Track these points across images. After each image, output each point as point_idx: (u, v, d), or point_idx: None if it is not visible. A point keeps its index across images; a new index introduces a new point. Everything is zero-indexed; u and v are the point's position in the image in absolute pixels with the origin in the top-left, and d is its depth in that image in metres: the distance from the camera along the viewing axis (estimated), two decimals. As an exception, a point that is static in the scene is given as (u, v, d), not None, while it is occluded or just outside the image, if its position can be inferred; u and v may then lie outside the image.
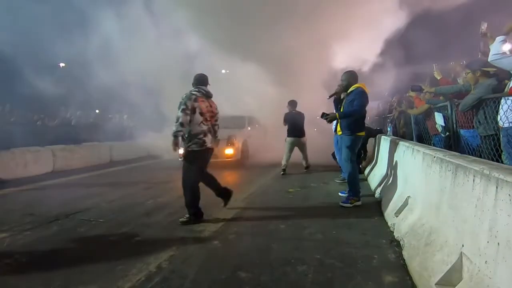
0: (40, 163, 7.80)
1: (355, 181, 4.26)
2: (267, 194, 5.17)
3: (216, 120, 4.04)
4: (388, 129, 5.57)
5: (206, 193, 4.03)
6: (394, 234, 3.00)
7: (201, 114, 3.74)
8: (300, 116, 7.16)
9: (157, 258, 2.76)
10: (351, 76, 4.36)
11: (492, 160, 3.20)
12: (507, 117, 3.17)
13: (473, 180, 1.80)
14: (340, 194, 4.64)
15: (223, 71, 15.09)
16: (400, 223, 3.00)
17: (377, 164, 5.61)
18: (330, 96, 4.48)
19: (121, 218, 4.01)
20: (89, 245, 3.15)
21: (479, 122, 3.70)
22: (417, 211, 2.79)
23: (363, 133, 4.34)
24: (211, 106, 3.90)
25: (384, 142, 5.27)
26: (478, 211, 1.70)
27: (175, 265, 2.63)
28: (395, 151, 4.24)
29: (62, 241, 3.31)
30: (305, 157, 7.26)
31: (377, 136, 6.33)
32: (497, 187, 1.54)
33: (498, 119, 3.28)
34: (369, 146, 6.83)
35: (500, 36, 3.18)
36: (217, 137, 4.12)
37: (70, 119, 11.86)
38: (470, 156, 2.21)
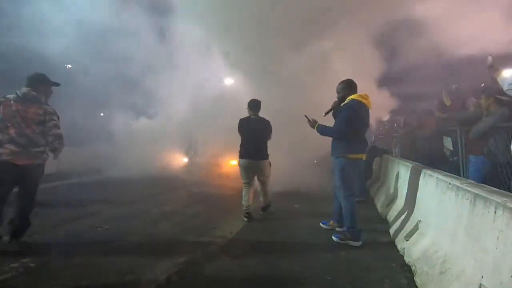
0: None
1: (351, 216, 3.50)
2: (272, 209, 5.11)
3: (49, 129, 3.24)
4: (397, 150, 5.59)
5: (211, 204, 4.03)
6: (404, 258, 2.97)
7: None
8: (263, 125, 4.64)
9: (166, 269, 2.73)
10: (346, 87, 3.73)
11: (504, 188, 3.21)
12: (520, 145, 3.20)
13: (495, 212, 1.80)
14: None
15: (227, 81, 14.92)
16: (411, 247, 2.98)
17: (384, 185, 5.60)
18: (326, 114, 3.83)
19: (127, 226, 4.00)
20: (97, 253, 3.12)
21: (489, 149, 3.73)
22: (429, 237, 2.77)
23: (359, 156, 3.61)
24: (25, 111, 3.14)
25: (392, 163, 5.27)
26: (500, 244, 1.70)
27: (185, 278, 2.61)
28: (404, 173, 4.24)
29: (69, 247, 3.29)
30: (263, 190, 4.74)
31: (383, 156, 6.34)
32: (522, 222, 1.55)
33: (511, 147, 3.31)
34: (374, 165, 6.83)
35: None
36: (56, 150, 3.32)
37: (74, 121, 11.86)
38: (488, 186, 2.22)
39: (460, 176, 3.99)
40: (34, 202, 3.30)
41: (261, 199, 4.78)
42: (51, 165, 3.66)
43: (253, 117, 4.66)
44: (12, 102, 3.13)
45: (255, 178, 4.72)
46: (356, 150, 3.59)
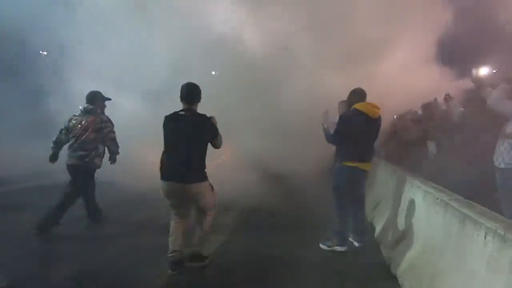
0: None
1: (340, 221, 3.58)
2: (256, 215, 4.89)
3: (105, 135, 3.97)
4: (383, 153, 5.67)
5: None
6: (391, 268, 3.02)
7: (69, 131, 3.92)
8: (199, 126, 2.97)
9: (155, 276, 2.76)
10: (351, 96, 3.74)
11: (489, 197, 3.27)
12: (503, 158, 3.29)
13: (485, 237, 1.82)
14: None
15: (213, 72, 14.14)
16: (398, 257, 3.01)
17: (370, 188, 5.62)
18: None
19: (113, 231, 3.94)
20: (86, 258, 3.10)
21: (473, 158, 3.83)
22: (417, 249, 2.80)
23: (354, 164, 3.50)
24: (86, 122, 3.90)
25: (379, 169, 5.26)
26: (490, 269, 1.73)
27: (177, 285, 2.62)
28: (391, 179, 4.29)
29: (45, 257, 3.18)
30: (203, 226, 3.09)
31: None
32: (514, 251, 1.56)
33: (494, 159, 3.40)
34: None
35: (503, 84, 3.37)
36: (113, 153, 4.09)
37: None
38: (477, 205, 2.23)
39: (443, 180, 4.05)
40: (89, 195, 4.03)
41: (193, 240, 3.09)
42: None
43: (183, 113, 2.98)
44: (77, 116, 3.93)
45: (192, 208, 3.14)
46: (350, 158, 3.54)
